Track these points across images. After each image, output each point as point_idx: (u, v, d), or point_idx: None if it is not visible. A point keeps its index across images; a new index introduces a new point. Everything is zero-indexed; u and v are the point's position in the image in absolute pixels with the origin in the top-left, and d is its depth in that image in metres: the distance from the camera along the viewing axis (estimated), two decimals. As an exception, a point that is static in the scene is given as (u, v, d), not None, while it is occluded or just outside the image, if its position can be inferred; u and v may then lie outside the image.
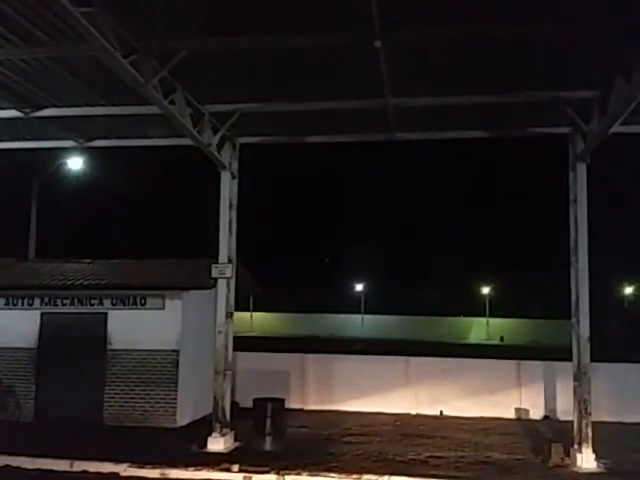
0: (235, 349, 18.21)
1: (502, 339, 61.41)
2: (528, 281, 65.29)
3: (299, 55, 9.77)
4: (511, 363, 17.21)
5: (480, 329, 67.31)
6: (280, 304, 64.44)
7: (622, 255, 57.35)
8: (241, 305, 58.36)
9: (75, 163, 22.32)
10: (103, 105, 11.73)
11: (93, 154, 23.73)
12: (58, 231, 43.15)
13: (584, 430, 11.73)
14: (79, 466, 11.23)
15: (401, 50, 9.54)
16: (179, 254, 17.61)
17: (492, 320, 67.38)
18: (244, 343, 25.83)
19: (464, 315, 67.05)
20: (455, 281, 68.06)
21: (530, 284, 64.41)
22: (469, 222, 76.86)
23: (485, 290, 71.32)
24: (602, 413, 13.99)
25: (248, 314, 66.31)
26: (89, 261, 17.13)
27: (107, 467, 11.15)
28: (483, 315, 68.41)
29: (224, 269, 12.92)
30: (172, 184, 67.25)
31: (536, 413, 16.30)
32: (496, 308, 67.36)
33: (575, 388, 12.17)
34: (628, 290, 72.26)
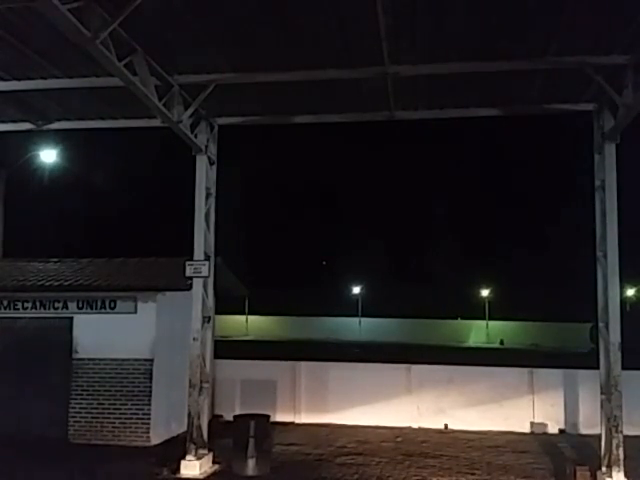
0: (223, 356, 16.98)
1: (502, 342, 60.15)
2: (528, 283, 63.91)
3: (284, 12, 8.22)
4: (522, 371, 15.56)
5: (479, 332, 66.01)
6: (276, 307, 62.99)
7: (622, 255, 55.35)
8: (236, 308, 57.42)
9: (48, 155, 20.61)
10: (57, 77, 10.14)
11: (68, 143, 22.07)
12: (33, 230, 41.10)
13: (615, 451, 10.12)
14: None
15: (402, 4, 8.04)
16: (167, 252, 15.88)
17: (491, 323, 66.06)
18: (236, 348, 24.50)
19: (463, 318, 65.68)
20: (454, 283, 66.72)
21: (530, 286, 63.00)
22: (468, 224, 75.55)
23: (484, 292, 70.00)
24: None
25: (243, 317, 64.94)
26: (56, 260, 15.50)
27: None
28: (482, 318, 67.04)
29: (200, 267, 11.32)
30: (157, 173, 63.46)
31: (552, 427, 14.72)
32: (495, 311, 66.00)
33: (602, 402, 10.61)
34: (630, 292, 70.57)
